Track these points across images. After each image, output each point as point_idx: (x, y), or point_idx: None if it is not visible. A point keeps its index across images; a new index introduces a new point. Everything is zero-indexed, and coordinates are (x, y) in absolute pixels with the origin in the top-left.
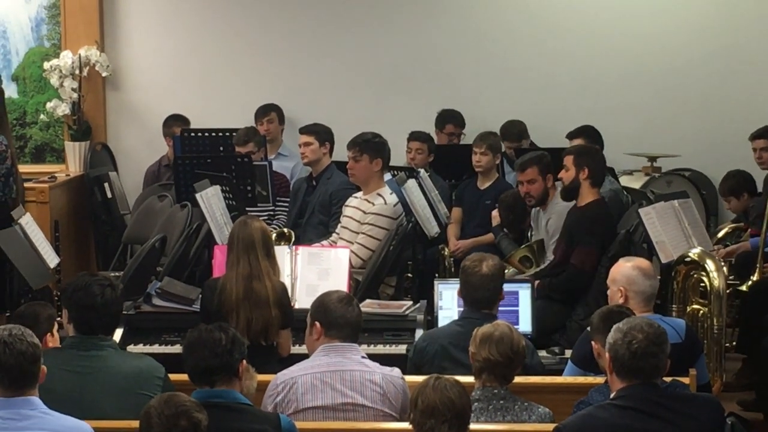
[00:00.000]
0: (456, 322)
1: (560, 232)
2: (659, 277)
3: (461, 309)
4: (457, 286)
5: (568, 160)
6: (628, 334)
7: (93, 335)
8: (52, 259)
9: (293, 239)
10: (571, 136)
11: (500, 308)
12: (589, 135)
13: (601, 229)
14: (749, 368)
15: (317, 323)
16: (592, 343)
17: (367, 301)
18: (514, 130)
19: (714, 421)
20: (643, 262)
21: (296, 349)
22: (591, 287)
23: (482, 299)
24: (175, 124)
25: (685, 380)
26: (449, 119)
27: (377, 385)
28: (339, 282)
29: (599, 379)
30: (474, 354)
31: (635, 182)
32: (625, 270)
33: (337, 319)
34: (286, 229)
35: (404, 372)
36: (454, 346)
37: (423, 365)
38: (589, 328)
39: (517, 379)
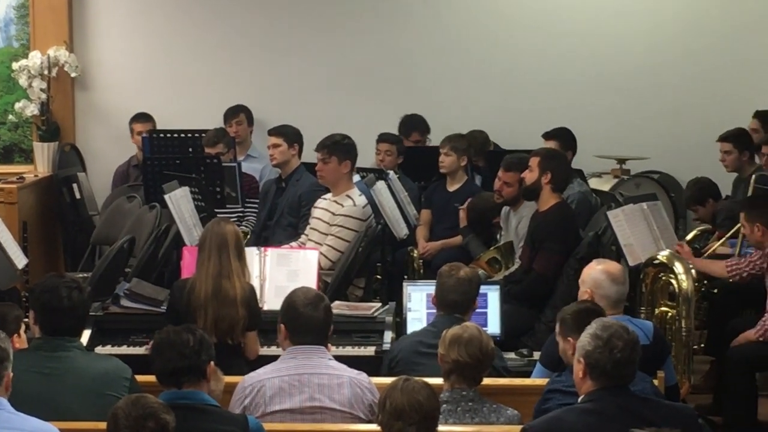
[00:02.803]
0: (428, 326)
1: (524, 237)
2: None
3: (430, 312)
4: (427, 287)
5: (534, 161)
6: (609, 342)
7: (59, 336)
8: (20, 260)
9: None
10: (546, 136)
11: None
12: (564, 138)
13: (563, 234)
14: (717, 370)
15: (282, 326)
16: (569, 339)
17: (336, 302)
18: (476, 142)
19: None
20: (613, 266)
21: (265, 351)
22: (557, 290)
23: (456, 303)
24: (137, 121)
25: (653, 382)
26: (414, 127)
27: (345, 387)
28: (308, 283)
29: None
30: (443, 355)
31: (604, 184)
32: (594, 273)
33: (301, 325)
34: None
35: (375, 374)
36: (425, 344)
37: (394, 367)
38: (558, 326)
39: (486, 381)
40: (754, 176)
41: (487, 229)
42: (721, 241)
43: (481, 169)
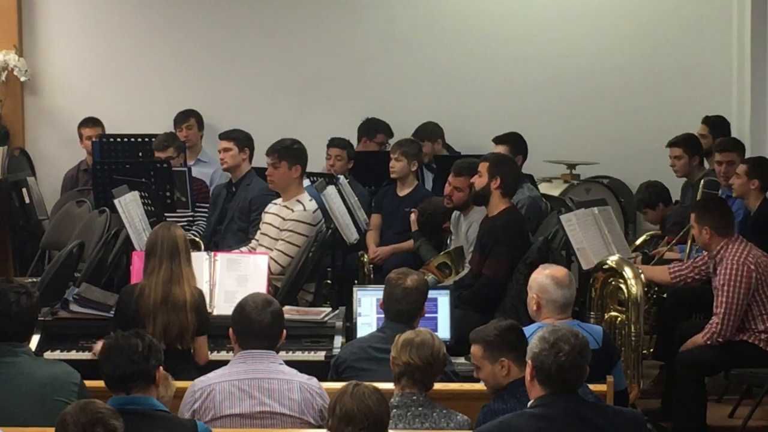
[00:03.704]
0: (376, 331)
1: (474, 242)
2: (576, 286)
3: (380, 316)
4: (377, 292)
5: (483, 167)
6: (555, 345)
7: (7, 342)
8: None
9: (202, 248)
10: (497, 141)
11: None
12: (515, 143)
13: (512, 238)
14: (666, 375)
15: (231, 330)
16: (503, 360)
17: (286, 307)
18: (426, 130)
19: None
20: (559, 270)
21: (215, 356)
22: (506, 295)
23: (403, 312)
24: (86, 126)
25: (602, 387)
26: (380, 128)
27: (295, 392)
28: (258, 288)
29: None
30: (395, 358)
31: (554, 189)
32: (540, 278)
33: (249, 330)
34: (197, 238)
35: (325, 379)
36: (374, 348)
37: (343, 372)
38: (479, 350)
39: (436, 386)
40: (702, 181)
41: (437, 234)
42: (670, 245)
43: (432, 168)
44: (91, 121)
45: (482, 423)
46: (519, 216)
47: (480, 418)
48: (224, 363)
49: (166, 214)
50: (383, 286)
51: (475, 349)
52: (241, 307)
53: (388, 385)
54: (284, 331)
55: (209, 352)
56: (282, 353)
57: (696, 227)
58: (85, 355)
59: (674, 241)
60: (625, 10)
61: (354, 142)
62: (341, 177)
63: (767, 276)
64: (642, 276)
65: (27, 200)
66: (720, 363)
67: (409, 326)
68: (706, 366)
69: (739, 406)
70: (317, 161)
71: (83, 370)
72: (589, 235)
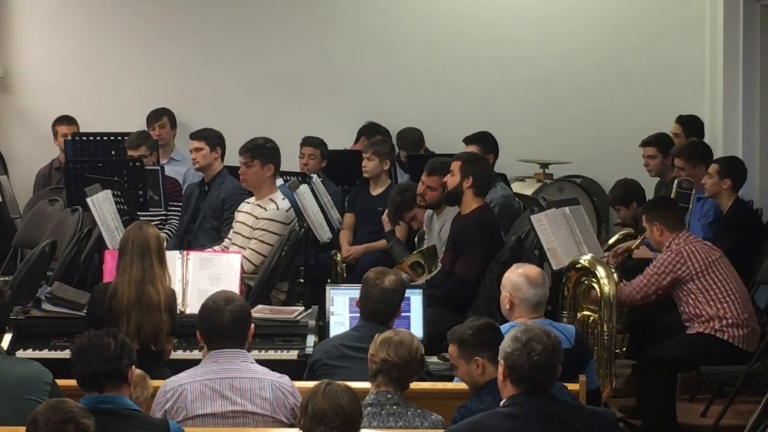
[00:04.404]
0: (350, 330)
1: (446, 240)
2: (549, 285)
3: (353, 315)
4: (350, 291)
5: (456, 166)
6: (528, 345)
7: None
8: None
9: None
10: (467, 141)
11: None
12: (485, 142)
13: (485, 237)
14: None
15: (198, 332)
16: (477, 359)
17: (259, 306)
18: (410, 138)
19: None
20: (532, 269)
21: (186, 355)
22: (479, 293)
23: (380, 312)
24: (61, 124)
25: (575, 386)
26: (380, 130)
27: (267, 391)
28: (230, 287)
29: None
30: (372, 356)
31: (527, 189)
32: (513, 277)
33: (213, 329)
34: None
35: (298, 378)
36: (348, 347)
37: (317, 370)
38: (455, 350)
39: (410, 385)
40: (676, 180)
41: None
42: (637, 242)
43: (407, 167)
44: (66, 119)
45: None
46: (491, 215)
47: (456, 417)
48: (196, 362)
49: (138, 213)
50: (356, 285)
51: (452, 349)
52: (204, 308)
53: (362, 384)
54: (251, 326)
55: (181, 351)
56: (254, 352)
57: (647, 225)
58: (58, 354)
59: (642, 237)
60: (599, 10)
61: (328, 141)
62: (314, 176)
63: (710, 263)
64: (615, 275)
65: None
66: (688, 360)
67: (385, 326)
68: (672, 362)
69: (712, 405)
70: (290, 160)
71: (55, 369)
72: (560, 234)
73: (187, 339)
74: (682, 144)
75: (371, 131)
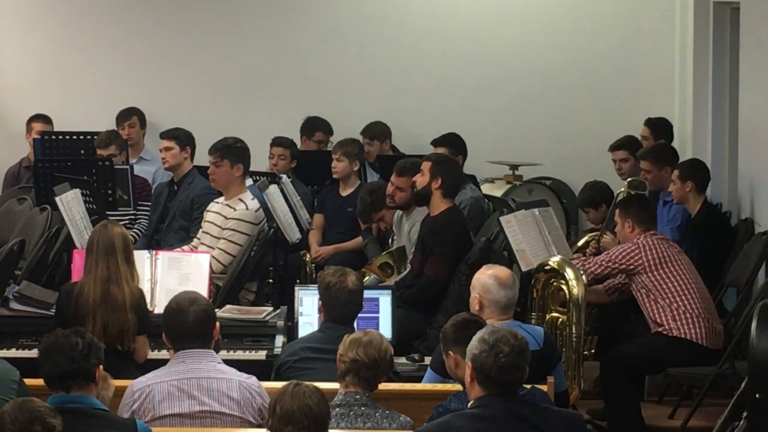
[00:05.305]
0: (317, 331)
1: (415, 242)
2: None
3: (319, 316)
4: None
5: (426, 166)
6: (495, 347)
7: None
8: None
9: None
10: (435, 143)
11: (361, 315)
12: (453, 144)
13: (453, 238)
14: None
15: (164, 334)
16: (449, 353)
17: (227, 306)
18: (376, 130)
19: None
20: (503, 271)
21: (155, 355)
22: (447, 295)
23: (348, 314)
24: (37, 121)
25: (543, 387)
26: (319, 126)
27: (234, 391)
28: (199, 287)
29: (458, 386)
30: (341, 355)
31: (496, 190)
32: (483, 278)
33: (173, 330)
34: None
35: (266, 378)
36: (313, 349)
37: (284, 373)
38: (441, 338)
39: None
40: (627, 181)
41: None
42: (600, 233)
43: (377, 168)
44: (42, 117)
45: None
46: (460, 216)
47: (434, 414)
48: (164, 362)
49: (107, 212)
50: None
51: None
52: (168, 310)
53: (329, 385)
54: (217, 325)
55: (150, 351)
56: (223, 352)
57: (620, 220)
58: (25, 353)
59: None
60: (568, 12)
61: (297, 141)
62: (284, 176)
63: (666, 258)
64: (584, 277)
65: None
66: (652, 360)
67: (350, 326)
68: (635, 363)
69: (679, 407)
70: (260, 160)
71: (23, 368)
72: (529, 236)
73: (156, 338)
74: (648, 147)
75: (309, 128)
